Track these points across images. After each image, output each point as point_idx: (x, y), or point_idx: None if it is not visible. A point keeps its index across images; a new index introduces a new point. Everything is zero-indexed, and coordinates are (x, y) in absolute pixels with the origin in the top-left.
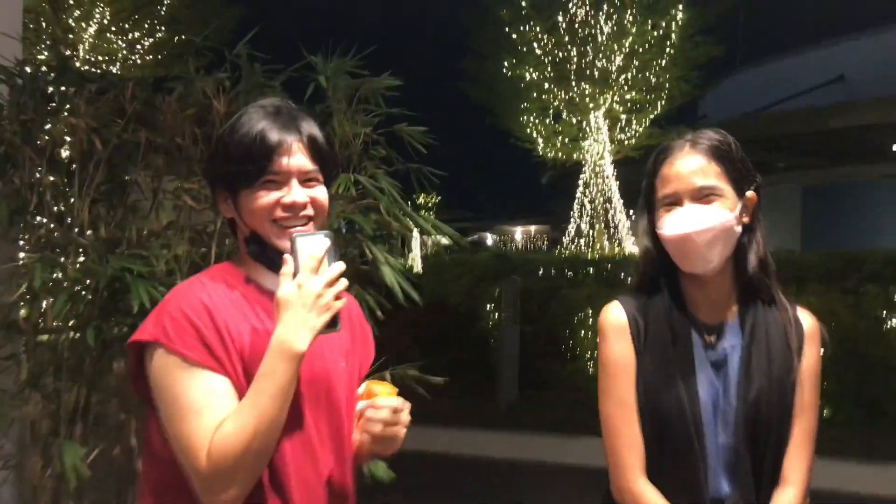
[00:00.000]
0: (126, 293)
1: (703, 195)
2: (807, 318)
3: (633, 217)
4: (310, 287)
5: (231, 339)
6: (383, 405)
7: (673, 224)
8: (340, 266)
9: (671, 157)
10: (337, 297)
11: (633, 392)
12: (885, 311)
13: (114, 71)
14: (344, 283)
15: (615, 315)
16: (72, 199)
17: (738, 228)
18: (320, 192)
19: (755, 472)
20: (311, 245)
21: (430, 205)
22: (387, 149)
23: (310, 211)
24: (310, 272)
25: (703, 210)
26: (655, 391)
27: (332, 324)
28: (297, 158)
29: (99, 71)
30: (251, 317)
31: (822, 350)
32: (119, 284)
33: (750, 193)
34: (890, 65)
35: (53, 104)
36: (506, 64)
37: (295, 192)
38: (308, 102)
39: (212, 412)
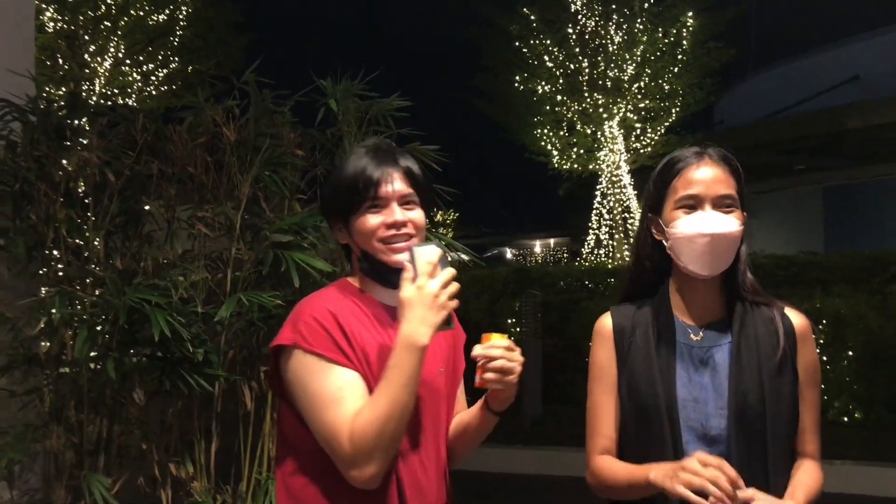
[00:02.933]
0: (143, 324)
1: (724, 203)
2: (796, 317)
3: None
4: (429, 289)
5: (356, 341)
6: (498, 345)
7: (696, 224)
8: (451, 271)
9: (694, 164)
10: (450, 299)
11: (608, 395)
12: None
13: (129, 103)
14: (456, 285)
15: (602, 323)
16: (87, 233)
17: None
18: (417, 214)
19: (749, 463)
20: (427, 253)
21: (448, 221)
22: None
23: (410, 230)
24: (427, 276)
25: (725, 217)
26: (637, 390)
27: (447, 322)
28: (396, 185)
29: (110, 104)
30: (367, 323)
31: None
32: (137, 315)
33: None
34: None
35: (66, 139)
36: (517, 78)
37: (396, 213)
38: (319, 126)
39: (349, 402)
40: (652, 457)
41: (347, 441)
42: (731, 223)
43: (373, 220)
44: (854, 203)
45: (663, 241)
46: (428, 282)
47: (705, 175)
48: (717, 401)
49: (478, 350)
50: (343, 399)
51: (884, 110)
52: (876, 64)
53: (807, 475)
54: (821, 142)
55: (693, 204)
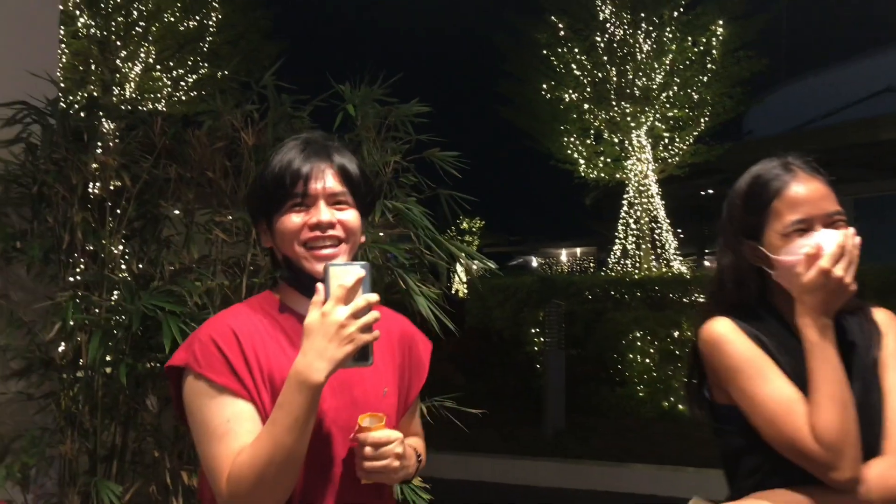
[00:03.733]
0: (158, 330)
1: (834, 220)
2: (879, 313)
3: (719, 244)
4: (334, 316)
5: (259, 366)
6: (365, 441)
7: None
8: (371, 297)
9: (794, 182)
10: (367, 330)
11: (782, 379)
12: None
13: (159, 108)
14: (374, 315)
15: (723, 323)
16: (104, 237)
17: None
18: (349, 215)
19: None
20: (343, 274)
21: (473, 229)
22: (417, 175)
23: (338, 232)
24: (335, 301)
25: (837, 234)
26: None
27: (363, 357)
28: (324, 181)
29: (129, 107)
30: (284, 343)
31: None
32: (151, 322)
33: None
34: None
35: (84, 142)
36: (544, 86)
37: (321, 213)
38: (337, 131)
39: (235, 437)
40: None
41: (225, 482)
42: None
43: (295, 219)
44: (886, 215)
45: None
46: (335, 308)
47: (811, 193)
48: None
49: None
50: (229, 433)
51: None
52: None
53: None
54: (852, 153)
55: (805, 227)
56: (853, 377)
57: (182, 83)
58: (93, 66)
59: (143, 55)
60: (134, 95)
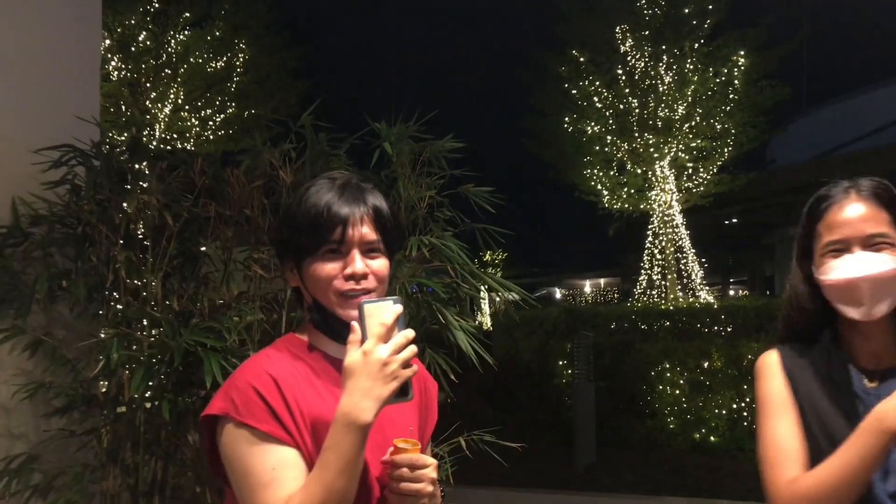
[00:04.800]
0: (199, 366)
1: (874, 243)
2: None
3: (791, 266)
4: (376, 355)
5: (300, 410)
6: (401, 461)
7: (841, 270)
8: (409, 333)
9: (837, 204)
10: (407, 365)
11: (792, 426)
12: None
13: (187, 147)
14: (413, 349)
15: (769, 358)
16: (146, 275)
17: None
18: (381, 264)
19: None
20: (380, 311)
21: (496, 261)
22: (451, 210)
23: (371, 283)
24: (376, 339)
25: (874, 257)
26: (827, 425)
27: (403, 392)
28: (360, 229)
29: (169, 148)
30: (318, 386)
31: None
32: (192, 358)
33: None
34: None
35: (127, 183)
36: (567, 119)
37: (356, 263)
38: (374, 168)
39: (282, 485)
40: None
41: None
42: (880, 263)
43: (330, 267)
44: None
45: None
46: (376, 347)
47: (850, 215)
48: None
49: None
50: (276, 481)
51: None
52: None
53: None
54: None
55: (841, 248)
56: None
57: (210, 122)
58: (123, 108)
59: (172, 96)
60: (164, 136)
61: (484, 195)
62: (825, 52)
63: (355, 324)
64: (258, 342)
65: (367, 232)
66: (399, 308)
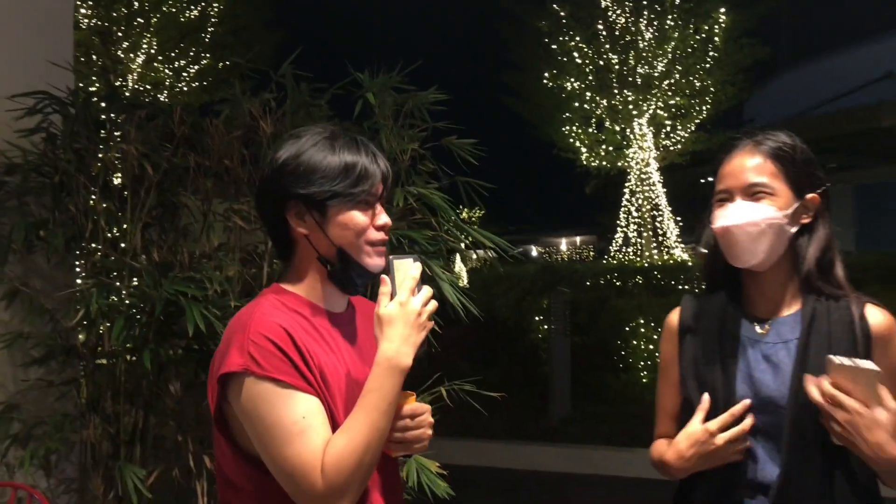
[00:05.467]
0: (180, 316)
1: (754, 192)
2: (875, 316)
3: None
4: (412, 305)
5: (312, 360)
6: (404, 413)
7: (721, 218)
8: (430, 290)
9: (731, 154)
10: (429, 318)
11: (670, 388)
12: None
13: (161, 98)
14: (435, 304)
15: (670, 318)
16: (124, 225)
17: (790, 227)
18: (388, 218)
19: (803, 471)
20: (406, 267)
21: (473, 219)
22: (434, 163)
23: (388, 235)
24: (409, 292)
25: (750, 206)
26: (701, 381)
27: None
28: (384, 185)
29: (148, 98)
30: (317, 337)
31: None
32: (173, 308)
33: (811, 195)
34: None
35: (105, 132)
36: (546, 74)
37: (384, 216)
38: (357, 119)
39: (315, 431)
40: None
41: (319, 476)
42: (753, 212)
43: (362, 216)
44: (887, 202)
45: None
46: (411, 298)
47: (737, 165)
48: (778, 401)
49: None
50: (309, 429)
51: None
52: None
53: None
54: (853, 140)
55: (725, 197)
56: (812, 367)
57: (184, 74)
58: (94, 58)
59: (144, 46)
60: (137, 87)
61: (467, 147)
62: (804, 11)
63: (386, 277)
64: (238, 294)
65: (383, 188)
66: (420, 265)
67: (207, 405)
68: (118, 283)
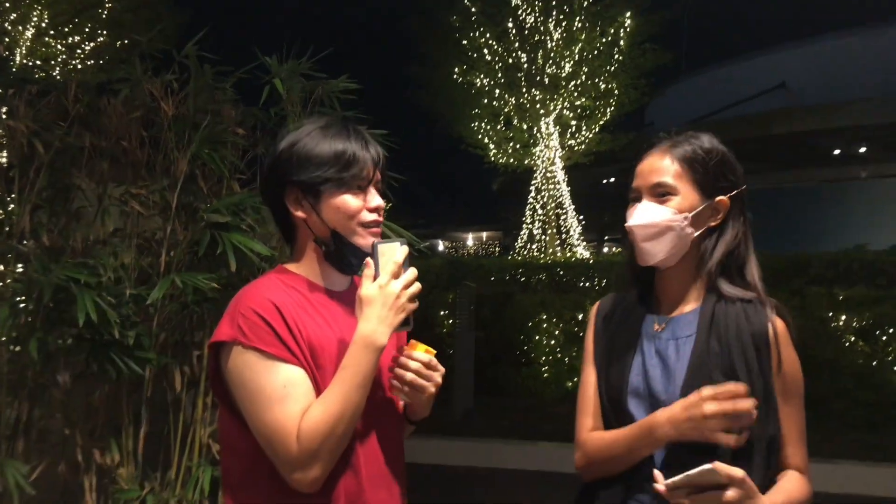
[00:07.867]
0: (71, 304)
1: (657, 192)
2: (777, 318)
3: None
4: (391, 288)
5: (301, 335)
6: (418, 358)
7: (629, 218)
8: (414, 272)
9: (645, 155)
10: (410, 300)
11: (592, 377)
12: (830, 312)
13: (53, 75)
14: (418, 286)
15: (593, 309)
16: (11, 206)
17: (692, 229)
18: (381, 200)
19: (686, 460)
20: (391, 251)
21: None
22: None
23: (381, 217)
24: (390, 275)
25: (652, 207)
26: (602, 375)
27: (406, 322)
28: (377, 170)
29: (43, 73)
30: (312, 313)
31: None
32: (63, 294)
33: (720, 198)
34: (829, 72)
35: None
36: (456, 70)
37: (377, 198)
38: (264, 105)
39: (294, 400)
40: None
41: (294, 441)
42: (653, 213)
43: (355, 200)
44: (776, 206)
45: None
46: (391, 281)
47: (647, 166)
48: (660, 395)
49: (401, 359)
50: (288, 397)
51: (808, 118)
52: (802, 72)
53: (790, 483)
54: (746, 146)
55: (635, 196)
56: (698, 374)
57: (79, 50)
58: None
59: (35, 19)
60: (25, 62)
61: (378, 138)
62: (705, 20)
63: (370, 260)
64: (135, 281)
65: (376, 173)
66: (406, 249)
67: (99, 396)
68: (2, 268)
